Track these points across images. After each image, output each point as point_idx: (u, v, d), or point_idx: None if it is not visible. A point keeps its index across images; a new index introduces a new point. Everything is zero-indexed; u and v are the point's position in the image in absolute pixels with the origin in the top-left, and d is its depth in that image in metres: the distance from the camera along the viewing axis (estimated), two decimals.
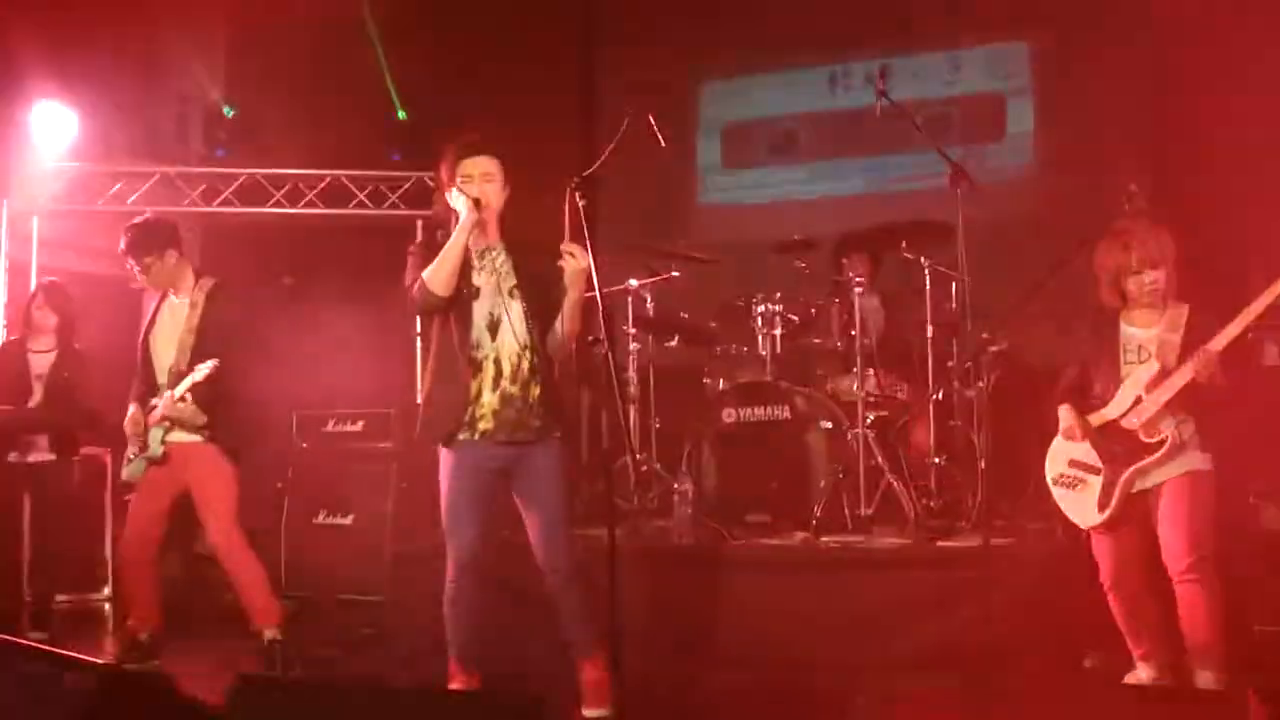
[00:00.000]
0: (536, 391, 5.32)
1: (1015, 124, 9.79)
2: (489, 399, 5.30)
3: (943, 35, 9.93)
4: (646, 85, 10.31)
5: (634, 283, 8.08)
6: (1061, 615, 5.90)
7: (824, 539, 6.89)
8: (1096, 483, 5.31)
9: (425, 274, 5.26)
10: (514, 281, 5.34)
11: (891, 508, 7.07)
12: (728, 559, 6.73)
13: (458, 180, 5.36)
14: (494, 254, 5.40)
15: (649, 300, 8.25)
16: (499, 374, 5.30)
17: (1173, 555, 5.13)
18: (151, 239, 6.43)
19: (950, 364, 7.49)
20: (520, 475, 5.37)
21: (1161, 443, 5.16)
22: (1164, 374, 5.18)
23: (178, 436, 6.31)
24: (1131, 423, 5.23)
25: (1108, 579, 5.35)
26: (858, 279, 7.58)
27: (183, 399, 6.17)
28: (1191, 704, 3.56)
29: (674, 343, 8.36)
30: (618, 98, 10.68)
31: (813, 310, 7.84)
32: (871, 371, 7.49)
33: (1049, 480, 5.50)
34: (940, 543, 6.65)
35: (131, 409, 6.43)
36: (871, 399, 7.41)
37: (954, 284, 7.39)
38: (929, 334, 7.48)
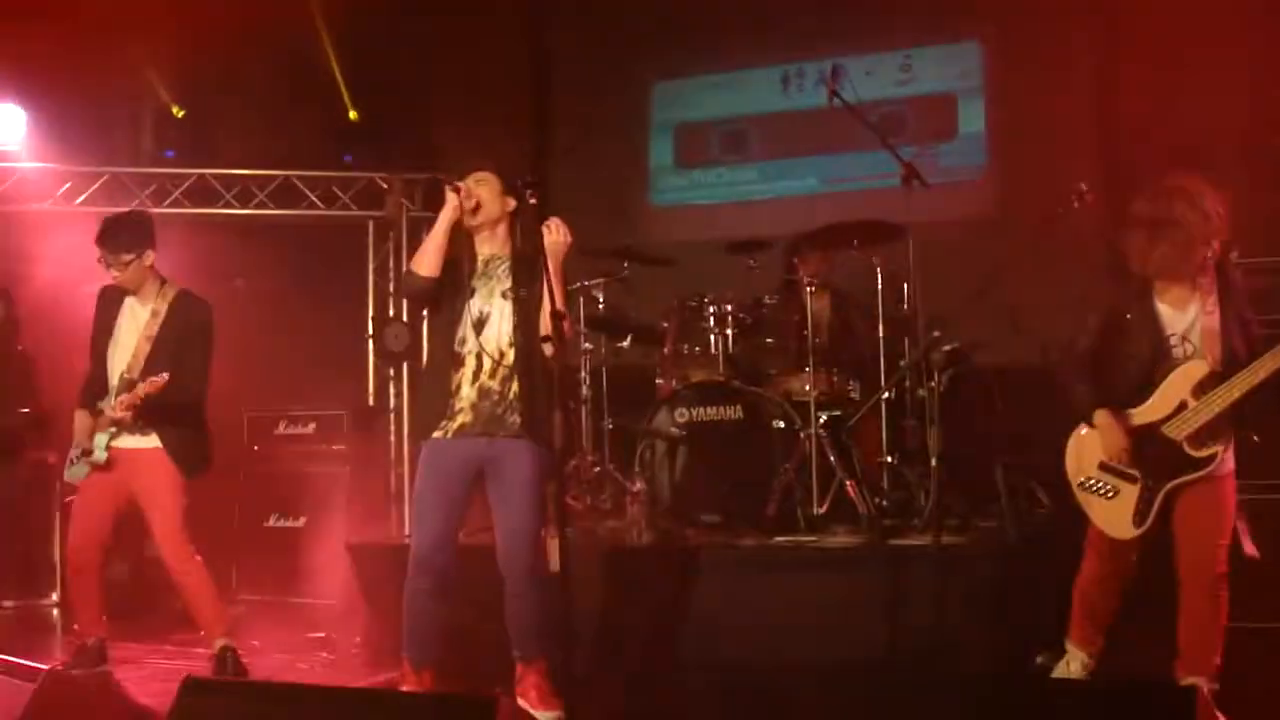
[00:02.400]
0: (515, 388, 5.35)
1: (967, 124, 9.82)
2: (467, 392, 5.38)
3: (895, 35, 9.94)
4: (598, 85, 10.32)
5: (586, 282, 8.07)
6: (1013, 614, 5.92)
7: (777, 539, 6.89)
8: (1132, 493, 4.93)
9: (414, 259, 5.40)
10: (508, 285, 5.41)
11: (844, 507, 7.07)
12: (681, 559, 6.72)
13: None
14: (498, 262, 5.49)
15: (600, 300, 8.24)
16: (479, 368, 5.37)
17: (1198, 566, 4.86)
18: (136, 235, 6.28)
19: (902, 363, 7.51)
20: (494, 477, 5.39)
21: (1211, 458, 4.80)
22: (1214, 377, 4.77)
23: (126, 442, 6.22)
24: (1174, 431, 4.84)
25: (1094, 558, 5.11)
26: (810, 278, 7.59)
27: (129, 408, 6.09)
28: (1141, 698, 3.57)
29: (626, 343, 8.36)
30: (570, 98, 10.68)
31: (765, 310, 7.84)
32: (824, 371, 7.49)
33: (1074, 482, 5.11)
34: (893, 541, 6.66)
35: (79, 414, 6.35)
36: (824, 398, 7.41)
37: (906, 283, 7.43)
38: (881, 333, 7.51)
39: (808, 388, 7.33)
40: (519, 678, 5.44)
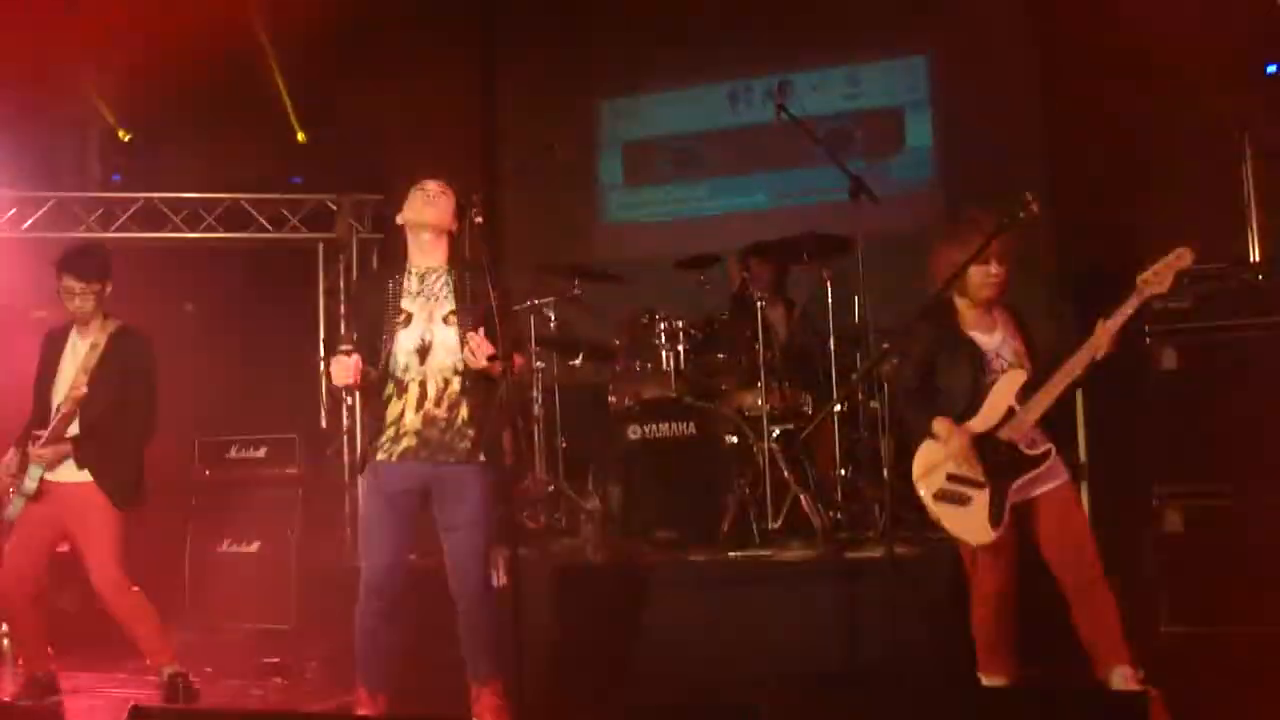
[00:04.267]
0: (464, 413, 5.28)
1: (914, 138, 9.89)
2: (411, 419, 5.29)
3: (842, 51, 10.01)
4: (547, 104, 10.33)
5: (537, 301, 8.06)
6: (967, 625, 5.93)
7: (732, 554, 6.89)
8: (983, 497, 5.15)
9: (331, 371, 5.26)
10: (450, 307, 5.32)
11: (799, 521, 7.08)
12: (636, 576, 6.71)
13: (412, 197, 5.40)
14: (434, 276, 5.40)
15: (552, 318, 8.24)
16: (423, 396, 5.29)
17: (1077, 565, 5.09)
18: (102, 266, 6.28)
19: (853, 375, 7.54)
20: (441, 499, 5.34)
21: (1046, 454, 5.13)
22: (1034, 383, 5.12)
23: (59, 476, 6.16)
24: (1009, 434, 5.13)
25: (981, 588, 5.29)
26: (760, 293, 7.61)
27: (49, 443, 6.05)
28: (1094, 704, 3.59)
29: (578, 361, 8.35)
30: (519, 116, 10.68)
31: (716, 325, 7.85)
32: (776, 385, 7.50)
33: (927, 496, 5.28)
34: (848, 555, 6.67)
35: (12, 451, 6.28)
36: (776, 412, 7.42)
37: (856, 295, 7.46)
38: (832, 346, 7.53)
39: (760, 402, 7.34)
40: (474, 699, 5.42)
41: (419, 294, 5.37)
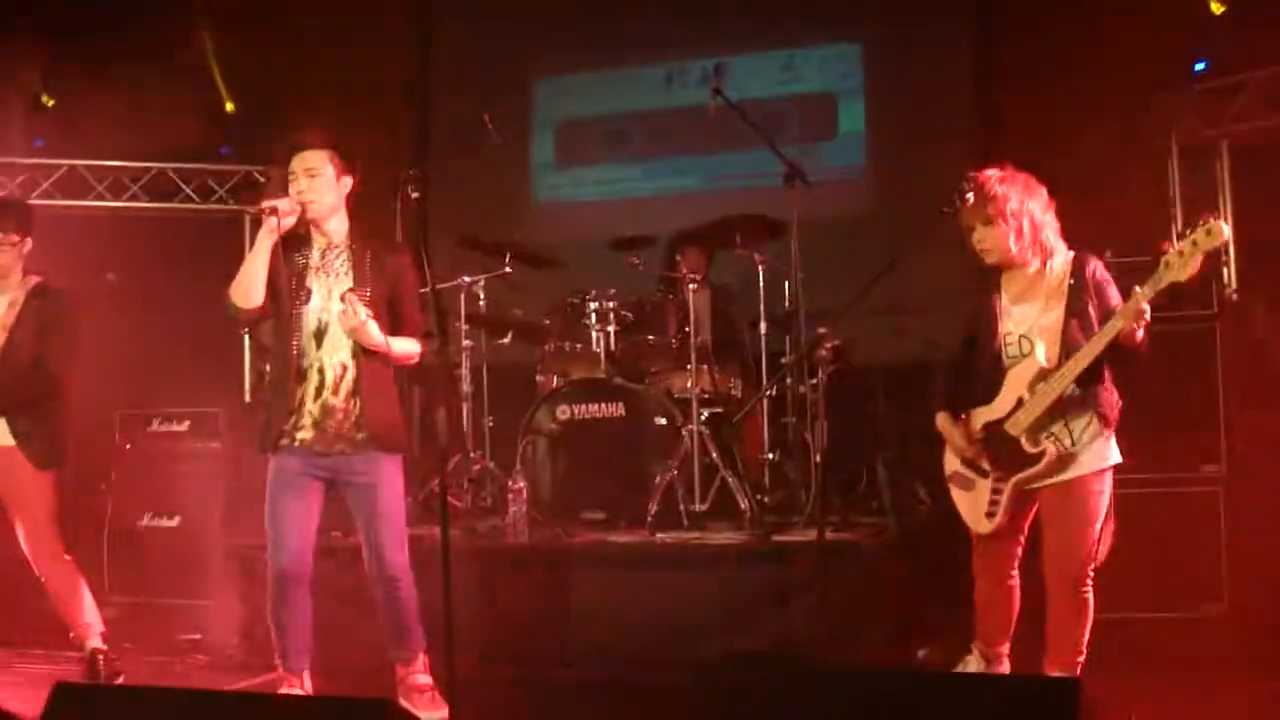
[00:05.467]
0: (358, 404, 5.20)
1: (847, 123, 9.92)
2: (311, 408, 5.21)
3: (777, 35, 10.00)
4: (480, 81, 10.26)
5: (467, 279, 8.01)
6: (895, 608, 5.97)
7: (659, 535, 6.88)
8: (984, 488, 5.08)
9: (231, 289, 5.13)
10: (348, 284, 5.20)
11: (727, 504, 7.09)
12: (563, 557, 6.69)
13: (289, 181, 5.22)
14: (334, 253, 5.28)
15: (481, 297, 8.18)
16: (322, 383, 5.20)
17: (1058, 565, 4.93)
18: (22, 219, 6.17)
19: (784, 360, 7.55)
20: (347, 486, 5.29)
21: (1041, 455, 4.89)
22: (1045, 372, 4.88)
23: None
24: (1014, 428, 4.93)
25: (978, 565, 5.22)
26: (692, 275, 7.61)
27: None
28: (1024, 690, 3.60)
29: (507, 340, 8.30)
30: (451, 92, 10.61)
31: (647, 307, 7.84)
32: (705, 368, 7.50)
33: (947, 476, 5.27)
34: (776, 538, 6.69)
35: None
36: (705, 395, 7.42)
37: (787, 280, 7.47)
38: (763, 330, 7.55)
39: (689, 384, 7.33)
40: (399, 679, 5.39)
41: (320, 269, 5.26)
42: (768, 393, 7.47)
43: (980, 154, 9.05)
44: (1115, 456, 4.96)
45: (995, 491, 5.03)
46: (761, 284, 7.58)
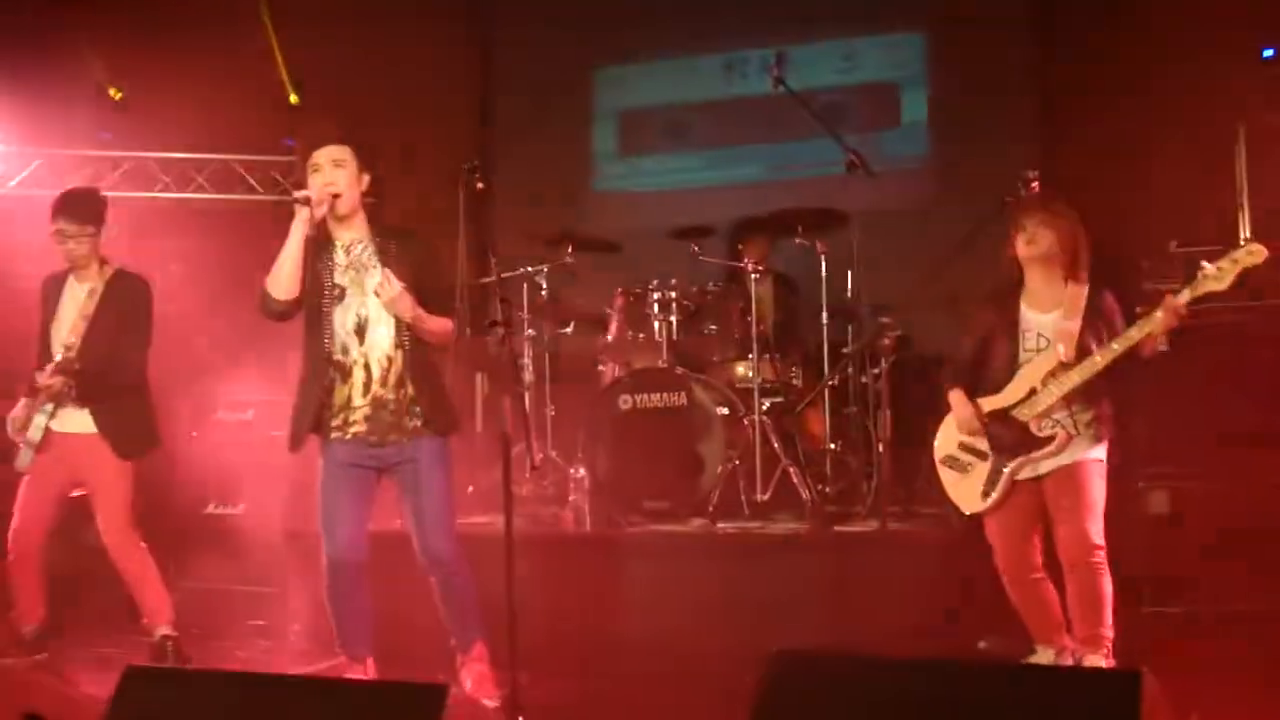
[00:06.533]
0: (410, 391, 5.24)
1: (910, 113, 9.87)
2: (360, 403, 5.23)
3: (838, 24, 9.97)
4: (542, 71, 10.28)
5: (529, 268, 8.03)
6: (957, 599, 5.95)
7: (720, 525, 6.90)
8: (983, 469, 5.32)
9: (268, 281, 5.17)
10: (379, 275, 5.19)
11: (787, 494, 7.09)
12: (624, 546, 6.72)
13: (309, 174, 5.24)
14: (360, 248, 5.29)
15: (543, 286, 8.21)
16: (369, 378, 5.22)
17: (1068, 544, 5.13)
18: (96, 210, 6.28)
19: (845, 350, 7.54)
20: (398, 471, 5.31)
21: (1051, 438, 5.15)
22: (1063, 367, 5.12)
23: (64, 425, 6.16)
24: (1023, 414, 5.20)
25: (1000, 564, 5.36)
26: (754, 265, 7.60)
27: (54, 375, 6.04)
28: (1085, 682, 3.58)
29: (569, 329, 8.33)
30: (513, 82, 10.64)
31: (708, 297, 7.84)
32: (767, 358, 7.50)
33: (937, 460, 5.50)
34: (838, 528, 6.68)
35: (20, 403, 6.25)
36: (767, 385, 7.42)
37: (850, 270, 7.45)
38: (824, 320, 7.53)
39: (751, 374, 7.34)
40: (459, 665, 5.43)
41: (349, 266, 5.26)
42: (830, 382, 7.46)
43: (1043, 142, 9.03)
44: (1105, 457, 5.26)
45: (995, 472, 5.29)
46: (823, 273, 7.57)
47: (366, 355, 5.21)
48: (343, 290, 5.22)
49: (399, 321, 5.19)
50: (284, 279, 5.13)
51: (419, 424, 5.25)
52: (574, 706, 5.66)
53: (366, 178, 5.29)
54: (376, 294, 5.13)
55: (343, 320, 5.22)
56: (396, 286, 5.08)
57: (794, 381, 7.74)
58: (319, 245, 5.26)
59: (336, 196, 5.16)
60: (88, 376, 6.07)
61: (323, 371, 5.23)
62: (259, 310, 5.23)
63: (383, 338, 5.21)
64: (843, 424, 7.62)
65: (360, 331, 5.21)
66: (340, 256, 5.26)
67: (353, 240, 5.28)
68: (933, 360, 7.60)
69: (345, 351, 5.22)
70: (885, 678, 3.71)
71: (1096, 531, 5.11)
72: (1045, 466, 5.22)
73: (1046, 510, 5.25)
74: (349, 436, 5.25)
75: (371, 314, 5.21)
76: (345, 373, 5.23)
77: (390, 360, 5.22)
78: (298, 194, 5.15)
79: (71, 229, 6.17)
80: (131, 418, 6.25)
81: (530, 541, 6.52)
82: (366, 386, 5.22)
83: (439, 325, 5.27)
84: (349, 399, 5.23)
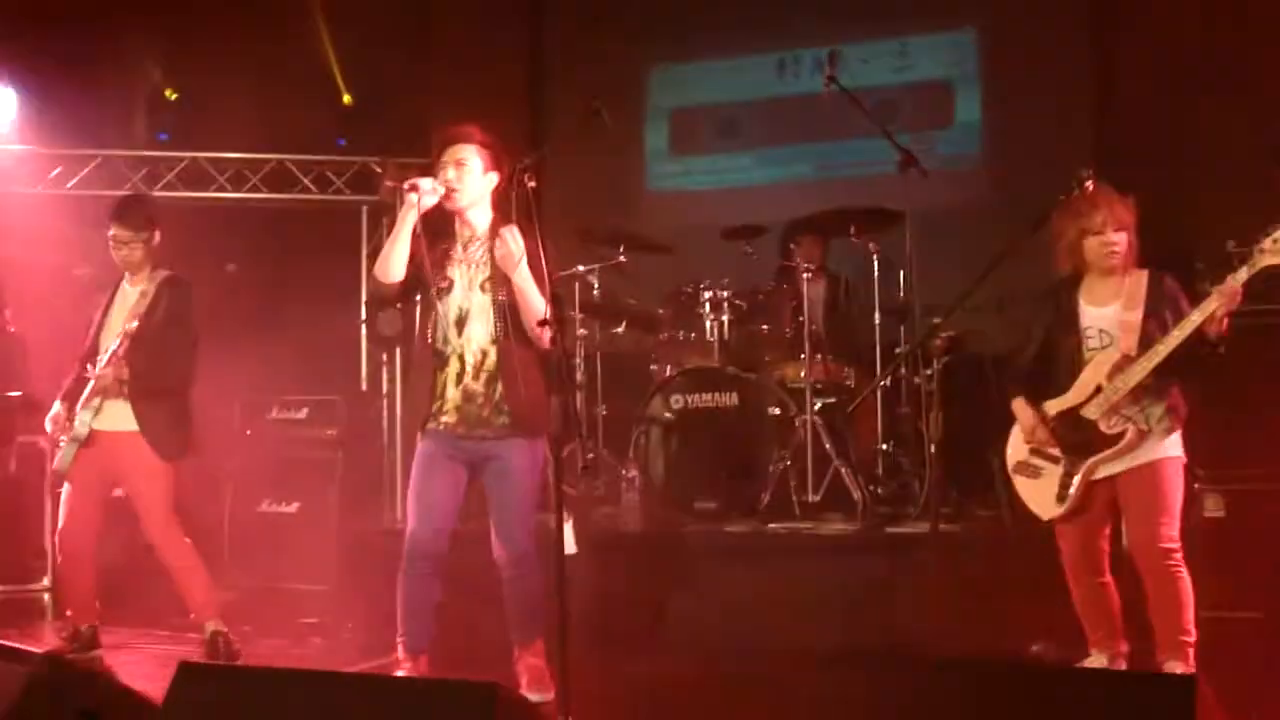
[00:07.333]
0: (501, 389, 5.29)
1: (963, 112, 9.82)
2: (453, 394, 5.32)
3: (891, 23, 9.93)
4: (594, 69, 10.28)
5: (581, 268, 8.04)
6: (1009, 601, 5.91)
7: (772, 525, 6.89)
8: (1055, 473, 5.21)
9: (376, 265, 5.30)
10: (487, 274, 5.32)
11: (839, 494, 7.07)
12: (675, 546, 6.72)
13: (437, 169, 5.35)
14: (475, 245, 5.39)
15: (595, 286, 8.22)
16: (463, 370, 5.31)
17: (1142, 547, 5.05)
18: (150, 215, 6.37)
19: (898, 350, 7.50)
20: (485, 470, 5.39)
21: (1121, 435, 5.04)
22: (1127, 359, 5.03)
23: (107, 424, 6.19)
24: (1091, 412, 5.10)
25: (1067, 563, 5.28)
26: (806, 265, 7.59)
27: (106, 366, 6.09)
28: (1140, 687, 3.56)
29: (621, 329, 8.33)
30: (566, 81, 10.64)
31: (760, 296, 7.83)
32: (819, 358, 7.48)
33: (1010, 468, 5.40)
34: (889, 529, 6.65)
35: (56, 404, 6.30)
36: (819, 385, 7.41)
37: (902, 270, 7.42)
38: (877, 320, 7.50)
39: (803, 374, 7.32)
40: (515, 660, 5.45)
41: (461, 261, 5.38)
42: (882, 383, 7.43)
43: (1098, 142, 8.95)
44: (1182, 453, 5.14)
45: (1067, 475, 5.17)
46: (876, 273, 7.54)
47: (463, 347, 5.31)
48: (451, 283, 5.34)
49: (497, 318, 5.28)
50: (389, 262, 5.24)
51: (506, 422, 5.30)
52: (623, 704, 5.65)
53: (494, 175, 5.37)
54: (498, 244, 5.17)
55: (446, 311, 5.33)
56: (519, 244, 5.14)
57: (846, 382, 7.71)
58: (440, 237, 5.40)
59: (451, 192, 5.26)
60: (137, 374, 6.12)
61: (426, 360, 5.38)
62: (370, 294, 5.36)
63: (479, 332, 5.31)
64: (895, 424, 7.59)
65: (460, 324, 5.32)
66: (457, 250, 5.40)
67: (471, 236, 5.40)
68: (987, 360, 7.59)
69: (445, 342, 5.33)
70: (934, 679, 3.70)
71: (1172, 533, 5.02)
72: (1119, 465, 5.11)
73: (1118, 508, 5.18)
74: (441, 427, 5.35)
75: (474, 308, 5.32)
76: (443, 362, 5.34)
77: (484, 354, 5.31)
78: (406, 181, 5.25)
79: (125, 235, 6.27)
80: (173, 420, 6.30)
81: (582, 541, 6.52)
82: (459, 377, 5.32)
83: (539, 300, 5.25)
84: (444, 388, 5.34)
